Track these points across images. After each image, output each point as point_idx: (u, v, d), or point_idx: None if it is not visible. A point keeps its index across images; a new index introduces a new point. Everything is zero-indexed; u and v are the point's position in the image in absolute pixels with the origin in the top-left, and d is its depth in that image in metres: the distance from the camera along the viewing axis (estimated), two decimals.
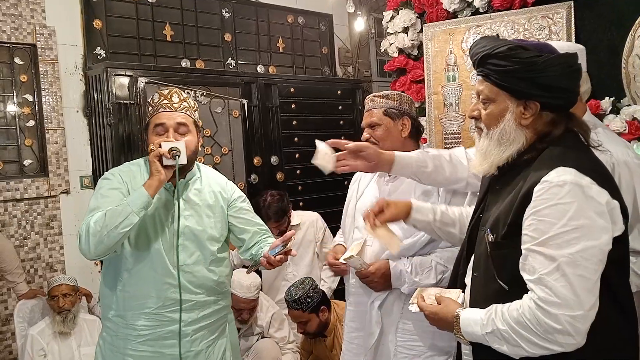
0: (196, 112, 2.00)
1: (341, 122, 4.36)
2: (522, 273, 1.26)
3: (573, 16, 2.70)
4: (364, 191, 2.22)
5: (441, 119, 3.11)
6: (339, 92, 4.41)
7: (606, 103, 2.57)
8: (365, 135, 2.12)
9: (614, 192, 1.27)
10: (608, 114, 2.55)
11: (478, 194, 1.61)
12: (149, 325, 1.87)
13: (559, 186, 1.21)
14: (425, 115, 3.14)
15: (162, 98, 1.93)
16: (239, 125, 3.89)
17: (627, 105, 2.52)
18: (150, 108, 1.97)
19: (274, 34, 4.52)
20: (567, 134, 1.35)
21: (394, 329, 2.02)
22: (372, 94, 2.17)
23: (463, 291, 1.53)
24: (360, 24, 4.25)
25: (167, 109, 1.91)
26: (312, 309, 2.75)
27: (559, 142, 1.33)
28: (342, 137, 4.24)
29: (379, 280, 1.98)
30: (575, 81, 1.34)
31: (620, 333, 1.29)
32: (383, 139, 2.07)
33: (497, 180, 1.45)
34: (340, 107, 4.42)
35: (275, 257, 1.84)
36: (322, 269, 3.29)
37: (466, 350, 1.46)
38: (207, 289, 1.95)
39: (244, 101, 3.85)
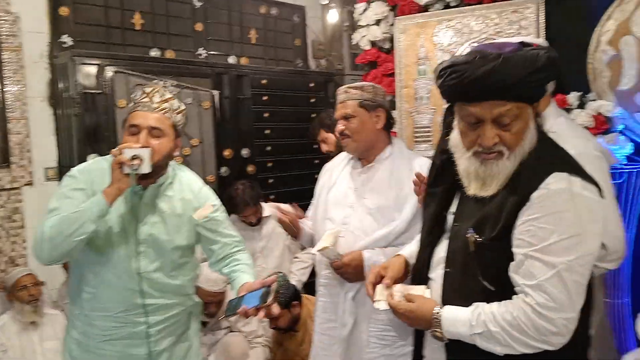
0: (179, 115, 1.88)
1: (313, 115, 4.34)
2: (514, 276, 1.28)
3: (543, 12, 2.73)
4: (336, 181, 2.21)
5: (412, 113, 3.11)
6: (312, 84, 4.39)
7: (573, 98, 2.61)
8: (339, 127, 2.11)
9: (595, 183, 1.31)
10: (575, 109, 2.59)
11: (428, 189, 1.59)
12: (112, 326, 1.83)
13: (557, 194, 1.24)
14: (395, 109, 3.14)
15: (144, 95, 1.83)
16: (209, 117, 3.83)
17: (593, 100, 2.57)
18: (130, 104, 1.89)
19: (246, 25, 4.46)
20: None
21: (366, 319, 2.03)
22: (345, 86, 2.16)
23: (427, 287, 1.52)
24: (333, 16, 4.23)
25: (145, 109, 1.80)
26: (283, 304, 2.73)
27: (540, 140, 1.34)
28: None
29: (353, 271, 1.99)
30: None
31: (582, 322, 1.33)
32: (358, 131, 2.07)
33: None
34: (312, 100, 4.40)
35: (254, 310, 1.64)
36: (292, 261, 3.28)
37: (435, 345, 1.45)
38: (170, 293, 1.91)
39: (215, 92, 3.79)
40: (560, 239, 1.22)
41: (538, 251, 1.23)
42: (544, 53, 1.25)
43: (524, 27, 2.78)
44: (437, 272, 1.49)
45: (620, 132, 2.52)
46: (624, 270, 2.63)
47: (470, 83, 1.25)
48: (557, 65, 1.30)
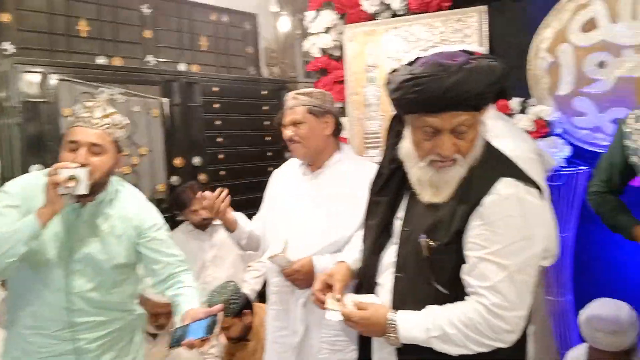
0: (122, 130, 1.83)
1: (266, 123, 4.33)
2: (467, 278, 1.32)
3: (486, 20, 2.82)
4: (285, 188, 2.21)
5: (362, 119, 3.15)
6: (264, 92, 4.38)
7: (515, 103, 2.70)
8: (288, 133, 2.10)
9: (539, 188, 1.37)
10: (517, 113, 2.68)
11: (371, 197, 1.61)
12: (50, 343, 1.77)
13: (506, 199, 1.30)
14: (346, 116, 3.17)
15: (85, 110, 1.77)
16: (158, 125, 3.75)
17: (533, 105, 2.66)
18: (70, 118, 1.81)
19: (196, 32, 4.42)
20: None
21: (318, 326, 2.02)
22: (294, 92, 2.15)
23: (371, 291, 1.52)
24: (285, 24, 4.24)
25: (85, 124, 1.74)
26: (235, 314, 2.70)
27: (484, 147, 1.39)
28: (267, 138, 4.27)
29: (304, 277, 1.98)
30: None
31: None
32: (307, 137, 2.07)
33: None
34: (265, 108, 4.38)
35: (200, 342, 1.61)
36: (245, 270, 3.24)
37: (385, 349, 1.46)
38: (109, 309, 1.86)
39: (164, 100, 3.73)
40: (511, 242, 1.28)
41: (490, 254, 1.29)
42: (498, 64, 1.30)
43: (467, 35, 2.86)
44: (385, 278, 1.50)
45: (559, 135, 2.62)
46: (566, 268, 2.73)
47: (433, 96, 1.26)
48: (507, 79, 1.34)
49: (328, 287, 1.59)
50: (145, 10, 4.13)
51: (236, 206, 3.82)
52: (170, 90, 3.83)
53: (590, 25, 2.53)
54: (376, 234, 1.56)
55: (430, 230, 1.37)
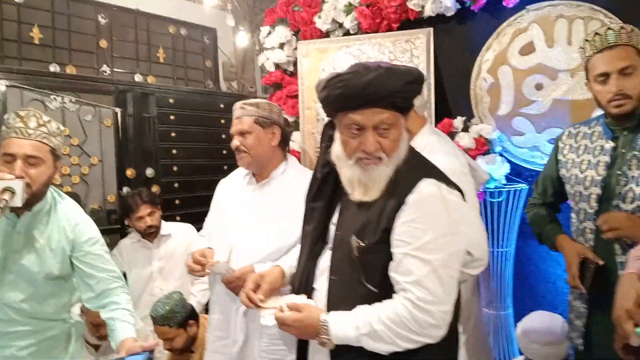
0: (57, 138, 1.80)
1: (223, 136, 4.33)
2: (394, 275, 1.36)
3: (432, 42, 2.92)
4: (231, 197, 2.22)
5: (314, 133, 3.20)
6: (222, 105, 4.39)
7: (458, 122, 2.79)
8: (235, 142, 2.13)
9: (462, 193, 1.45)
10: (460, 132, 2.78)
11: (307, 202, 1.65)
12: None
13: (429, 196, 1.35)
14: (299, 130, 3.21)
15: (18, 120, 1.72)
16: (111, 135, 3.72)
17: (475, 124, 2.76)
18: (3, 128, 1.75)
19: (154, 44, 4.42)
20: None
21: (257, 335, 2.03)
22: (241, 102, 2.18)
23: (309, 296, 1.55)
24: (242, 39, 4.28)
25: (20, 135, 1.70)
26: (179, 324, 2.66)
27: (409, 152, 1.45)
28: (224, 152, 4.26)
29: (244, 285, 1.98)
30: None
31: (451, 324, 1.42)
32: (253, 147, 2.10)
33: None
34: (222, 121, 4.39)
35: None
36: (193, 283, 3.21)
37: (320, 352, 1.47)
38: (41, 319, 1.83)
39: (117, 110, 3.70)
40: (435, 237, 1.32)
41: (415, 250, 1.32)
42: (415, 68, 1.41)
43: (415, 56, 2.95)
44: (321, 282, 1.53)
45: (499, 153, 2.72)
46: (507, 282, 2.82)
47: (355, 91, 1.35)
48: (423, 83, 1.44)
49: (259, 288, 1.65)
50: (102, 19, 4.11)
51: (190, 219, 3.83)
52: (124, 100, 3.80)
53: (528, 49, 2.65)
54: (312, 239, 1.59)
55: (360, 231, 1.41)
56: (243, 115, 2.13)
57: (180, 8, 4.55)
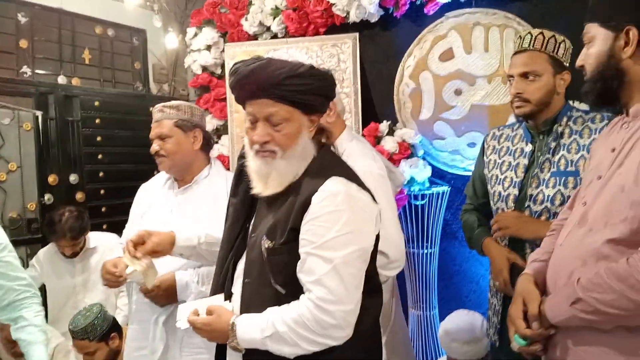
0: None
1: None
2: (299, 275, 1.33)
3: (358, 47, 2.96)
4: (152, 202, 2.15)
5: (242, 137, 3.16)
6: (152, 108, 4.26)
7: (383, 126, 2.84)
8: (154, 147, 2.06)
9: (372, 196, 1.42)
10: (385, 136, 2.82)
11: (229, 204, 1.63)
12: None
13: (334, 194, 1.31)
14: (228, 134, 3.17)
15: None
16: (31, 140, 3.53)
17: (400, 129, 2.82)
18: None
19: (79, 45, 4.23)
20: (323, 145, 1.47)
21: (178, 344, 1.97)
22: (161, 104, 2.12)
23: (228, 300, 1.53)
24: (172, 41, 4.18)
25: None
26: (100, 337, 2.55)
27: (322, 152, 1.44)
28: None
29: (164, 293, 1.93)
30: None
31: (370, 308, 1.43)
32: (173, 152, 2.04)
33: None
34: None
35: None
36: (118, 296, 3.09)
37: (233, 357, 1.45)
38: None
39: (38, 113, 3.52)
40: (337, 235, 1.29)
41: (317, 248, 1.29)
42: (308, 66, 1.35)
43: (342, 61, 2.99)
44: (237, 285, 1.51)
45: (422, 157, 2.79)
46: (431, 283, 2.89)
47: (241, 78, 1.35)
48: (325, 84, 1.39)
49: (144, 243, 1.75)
50: (22, 18, 3.91)
51: (117, 227, 3.69)
52: (46, 103, 3.63)
53: (447, 55, 2.73)
54: (228, 238, 1.57)
55: (269, 232, 1.40)
56: (162, 118, 2.07)
57: (108, 8, 4.38)
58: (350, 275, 1.30)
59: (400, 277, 2.85)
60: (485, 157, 2.03)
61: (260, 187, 1.43)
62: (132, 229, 2.18)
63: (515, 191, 1.84)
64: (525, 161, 1.84)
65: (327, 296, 1.27)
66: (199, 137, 2.09)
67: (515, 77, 1.82)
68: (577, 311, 1.15)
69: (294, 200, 1.37)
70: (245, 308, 1.43)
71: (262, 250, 1.40)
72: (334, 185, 1.33)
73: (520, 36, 1.85)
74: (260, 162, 1.41)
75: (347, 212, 1.31)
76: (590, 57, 1.28)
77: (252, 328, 1.34)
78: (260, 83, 1.33)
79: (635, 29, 1.19)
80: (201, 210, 2.05)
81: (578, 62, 1.35)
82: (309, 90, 1.36)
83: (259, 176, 1.43)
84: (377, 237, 1.46)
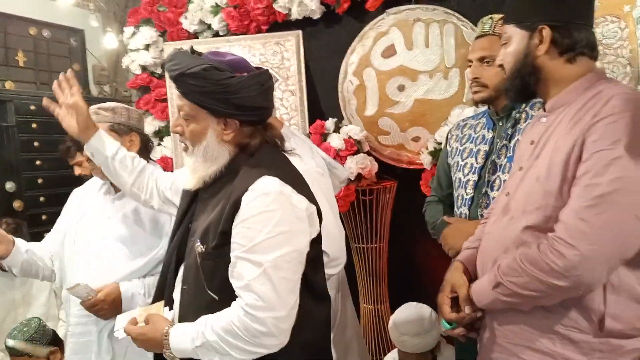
0: None
1: None
2: (231, 280, 1.27)
3: (302, 44, 2.93)
4: (86, 209, 2.06)
5: None
6: None
7: (329, 123, 2.83)
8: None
9: (310, 196, 1.36)
10: (331, 133, 2.81)
11: (179, 204, 1.59)
12: None
13: (264, 194, 1.26)
14: (170, 135, 3.09)
15: None
16: None
17: (346, 126, 2.82)
18: None
19: (12, 47, 4.05)
20: (265, 144, 1.41)
21: (123, 355, 1.89)
22: (96, 106, 2.03)
23: (170, 308, 1.49)
24: (111, 41, 4.05)
25: None
26: (40, 353, 2.44)
27: (260, 152, 1.38)
28: None
29: (109, 307, 1.84)
30: (268, 98, 1.40)
31: (315, 317, 1.39)
32: None
33: (205, 190, 1.44)
34: None
35: None
36: (60, 308, 2.97)
37: None
38: None
39: None
40: (268, 237, 1.23)
41: (247, 251, 1.24)
42: (205, 67, 1.28)
43: (286, 58, 2.96)
44: (177, 292, 1.46)
45: (368, 153, 2.80)
46: (382, 277, 2.91)
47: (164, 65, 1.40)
48: (224, 90, 1.30)
49: None
50: None
51: None
52: None
53: (390, 52, 2.75)
54: (172, 242, 1.52)
55: (203, 235, 1.35)
56: (97, 121, 1.97)
57: (43, 8, 4.21)
58: (283, 280, 1.24)
59: (351, 272, 2.85)
60: (448, 147, 2.04)
61: (186, 180, 1.43)
62: (58, 236, 2.07)
63: (475, 177, 1.84)
64: (486, 147, 1.84)
65: (256, 302, 1.21)
66: (135, 140, 2.01)
67: (474, 62, 1.83)
68: (499, 294, 1.23)
69: (227, 201, 1.32)
70: (183, 316, 1.39)
71: (196, 254, 1.35)
72: (265, 184, 1.28)
73: (482, 21, 1.86)
74: (184, 154, 1.41)
75: (278, 213, 1.25)
76: (508, 55, 1.35)
77: (184, 338, 1.29)
78: (169, 75, 1.34)
79: (548, 28, 1.26)
80: (139, 215, 1.98)
81: (497, 62, 1.43)
82: (204, 93, 1.30)
83: (187, 167, 1.43)
84: (320, 239, 1.42)
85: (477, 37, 1.87)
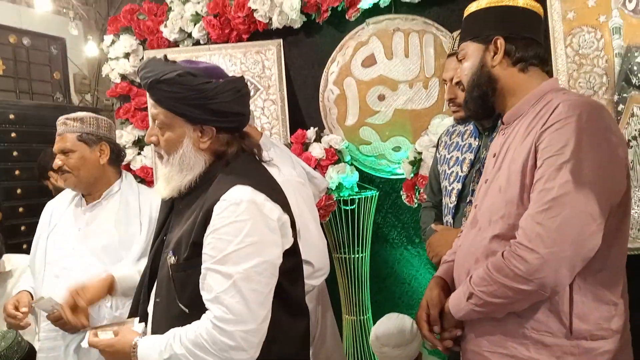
0: None
1: None
2: (201, 292, 1.25)
3: (283, 53, 2.93)
4: (58, 221, 2.03)
5: None
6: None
7: (311, 133, 2.82)
8: (57, 162, 1.95)
9: (285, 206, 1.34)
10: (312, 142, 2.80)
11: (158, 217, 1.57)
12: None
13: (236, 204, 1.23)
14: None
15: None
16: None
17: (327, 135, 2.81)
18: None
19: None
20: (242, 152, 1.39)
21: None
22: (64, 116, 2.00)
23: (143, 321, 1.46)
24: (92, 49, 4.01)
25: None
26: None
27: (236, 161, 1.36)
28: None
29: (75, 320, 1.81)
30: (245, 104, 1.39)
31: (291, 332, 1.37)
32: (78, 167, 1.94)
33: (181, 200, 1.42)
34: None
35: None
36: (38, 322, 2.91)
37: None
38: None
39: None
40: (238, 247, 1.21)
41: (217, 262, 1.21)
42: (179, 73, 1.27)
43: (267, 67, 2.95)
44: (150, 305, 1.43)
45: (349, 162, 2.79)
46: (364, 288, 2.89)
47: (138, 74, 1.37)
48: (199, 95, 1.28)
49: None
50: None
51: None
52: None
53: (370, 61, 2.75)
54: (150, 254, 1.50)
55: (176, 246, 1.32)
56: (65, 131, 1.96)
57: (23, 16, 4.16)
58: (253, 292, 1.21)
59: (333, 283, 2.83)
60: (438, 153, 2.06)
61: (159, 188, 1.40)
62: (35, 250, 2.05)
63: (459, 186, 1.85)
64: (472, 156, 1.85)
65: (225, 315, 1.19)
66: (105, 150, 2.00)
67: (448, 82, 1.84)
68: (472, 305, 1.25)
69: (199, 211, 1.29)
70: (155, 329, 1.36)
71: (168, 266, 1.33)
72: (236, 193, 1.25)
73: (452, 36, 1.87)
74: (158, 163, 1.40)
75: (249, 223, 1.23)
76: (465, 70, 1.41)
77: (152, 350, 1.26)
78: (143, 83, 1.32)
79: (502, 38, 1.33)
80: (109, 228, 1.95)
81: (454, 79, 1.49)
82: (179, 99, 1.28)
83: (160, 176, 1.41)
84: (296, 250, 1.40)
85: (449, 55, 1.89)
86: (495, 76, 1.35)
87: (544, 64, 1.37)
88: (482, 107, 1.40)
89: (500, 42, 1.33)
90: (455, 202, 1.84)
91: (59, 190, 2.96)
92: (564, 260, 1.12)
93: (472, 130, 1.91)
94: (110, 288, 1.73)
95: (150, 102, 1.36)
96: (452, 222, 1.87)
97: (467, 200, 1.81)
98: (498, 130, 1.47)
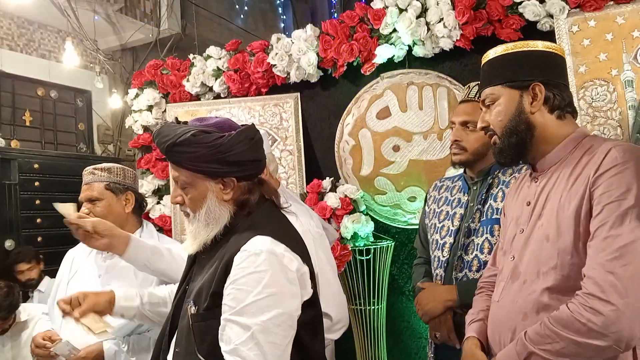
0: None
1: None
2: (220, 343, 1.24)
3: (300, 106, 3.01)
4: (78, 269, 2.07)
5: None
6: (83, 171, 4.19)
7: (326, 183, 2.86)
8: (83, 210, 2.00)
9: (305, 256, 1.35)
10: (328, 192, 2.83)
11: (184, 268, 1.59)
12: None
13: (255, 254, 1.24)
14: (169, 193, 3.12)
15: None
16: None
17: (342, 185, 2.84)
18: None
19: (19, 106, 4.16)
20: (262, 200, 1.42)
21: None
22: (91, 167, 2.08)
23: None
24: (116, 102, 4.16)
25: None
26: None
27: (257, 210, 1.39)
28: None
29: None
30: (259, 150, 1.42)
31: None
32: (104, 215, 1.97)
33: (204, 252, 1.43)
34: None
35: None
36: None
37: None
38: None
39: None
40: (257, 299, 1.21)
41: (235, 313, 1.21)
42: (194, 132, 1.30)
43: (285, 119, 3.03)
44: (171, 354, 1.42)
45: (364, 212, 2.80)
46: (380, 341, 2.84)
47: (154, 141, 1.40)
48: (215, 151, 1.31)
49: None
50: None
51: None
52: None
53: (384, 113, 2.81)
54: (172, 304, 1.50)
55: (196, 296, 1.33)
56: (93, 180, 2.03)
57: (50, 70, 4.36)
58: (271, 345, 1.19)
59: (348, 335, 2.78)
60: (427, 207, 2.06)
61: (187, 245, 1.41)
62: (54, 298, 2.07)
63: (451, 239, 1.85)
64: (462, 211, 1.86)
65: None
66: (130, 199, 2.06)
67: (457, 125, 1.87)
68: None
69: (220, 262, 1.31)
70: None
71: (189, 316, 1.33)
72: (256, 244, 1.26)
73: (469, 86, 1.91)
74: (186, 221, 1.41)
75: (268, 274, 1.23)
76: (498, 115, 1.35)
77: None
78: (160, 148, 1.35)
79: (541, 84, 1.29)
80: (129, 275, 1.98)
81: (480, 124, 1.42)
82: (198, 158, 1.31)
83: (188, 233, 1.41)
84: (316, 302, 1.39)
85: (462, 102, 1.92)
86: (534, 123, 1.31)
87: (574, 110, 1.34)
88: (519, 155, 1.35)
89: (540, 88, 1.29)
90: (448, 256, 1.85)
91: (27, 284, 3.05)
92: (639, 311, 1.05)
93: (460, 185, 1.94)
94: (112, 302, 1.72)
95: (170, 165, 1.40)
96: (443, 275, 1.86)
97: (458, 255, 1.81)
98: (527, 179, 1.42)
